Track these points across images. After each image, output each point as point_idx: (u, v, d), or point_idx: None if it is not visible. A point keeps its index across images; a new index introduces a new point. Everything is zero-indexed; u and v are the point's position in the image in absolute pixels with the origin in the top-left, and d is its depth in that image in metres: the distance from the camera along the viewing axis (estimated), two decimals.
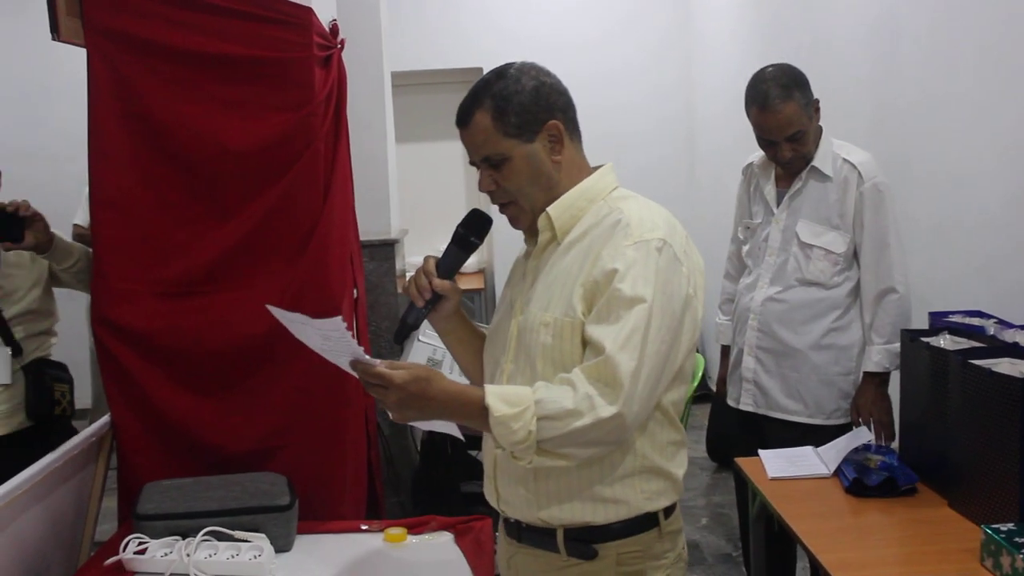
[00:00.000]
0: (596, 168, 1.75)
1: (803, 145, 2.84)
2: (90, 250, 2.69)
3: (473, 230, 1.81)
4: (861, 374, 2.93)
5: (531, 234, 1.77)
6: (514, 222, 1.76)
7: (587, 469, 1.65)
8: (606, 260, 1.60)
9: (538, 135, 1.67)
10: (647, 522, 1.69)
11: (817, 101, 2.86)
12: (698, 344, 1.74)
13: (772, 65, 2.88)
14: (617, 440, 1.60)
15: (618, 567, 1.69)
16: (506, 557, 1.85)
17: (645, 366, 1.54)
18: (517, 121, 1.65)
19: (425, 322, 1.84)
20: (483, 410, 1.54)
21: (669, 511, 1.73)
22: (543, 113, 1.66)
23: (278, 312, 1.73)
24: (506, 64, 1.71)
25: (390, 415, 1.60)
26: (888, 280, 2.80)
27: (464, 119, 1.69)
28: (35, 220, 2.66)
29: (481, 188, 1.73)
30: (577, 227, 1.70)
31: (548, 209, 1.69)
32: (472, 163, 1.73)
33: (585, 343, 1.60)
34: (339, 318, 1.57)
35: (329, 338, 1.63)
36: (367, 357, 1.60)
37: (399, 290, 3.92)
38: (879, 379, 2.84)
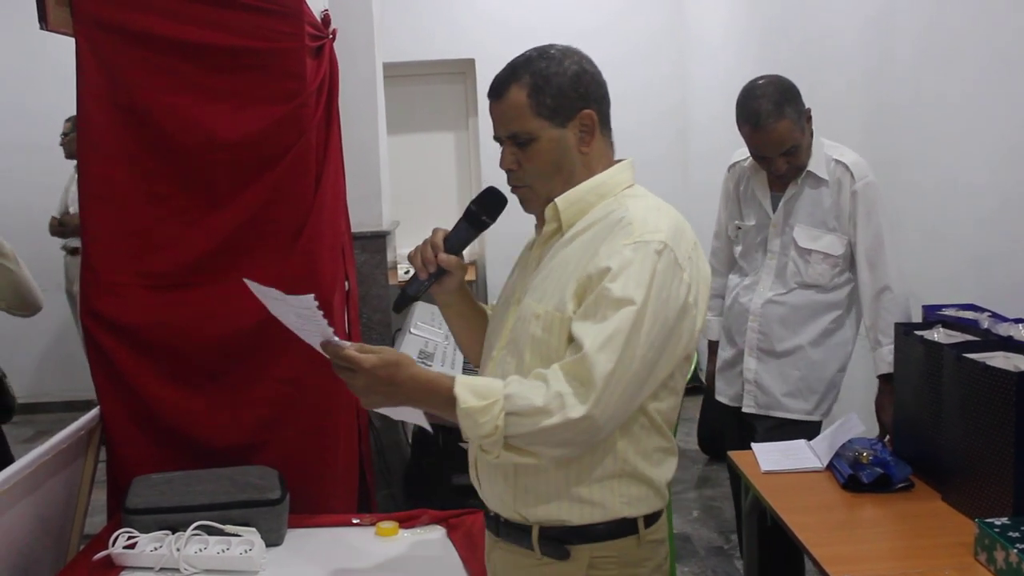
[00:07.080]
0: (617, 162, 1.71)
1: (797, 158, 2.82)
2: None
3: (485, 208, 1.76)
4: (848, 370, 2.94)
5: (541, 221, 1.72)
6: (525, 205, 1.71)
7: (565, 468, 1.61)
8: (602, 257, 1.55)
9: (571, 121, 1.62)
10: (625, 528, 1.64)
11: (809, 110, 2.83)
12: (694, 354, 1.67)
13: (762, 78, 2.85)
14: (588, 442, 1.54)
15: (590, 570, 1.64)
16: (487, 550, 1.83)
17: (625, 370, 1.49)
18: (553, 103, 1.60)
19: (417, 316, 1.81)
20: (451, 400, 1.51)
21: (651, 519, 1.67)
22: (580, 100, 1.62)
23: (254, 286, 1.71)
24: (548, 45, 1.66)
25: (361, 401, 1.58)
26: (885, 279, 2.80)
27: (499, 91, 1.64)
28: None
29: (502, 165, 1.68)
30: (582, 220, 1.65)
31: (556, 200, 1.65)
32: (496, 138, 1.68)
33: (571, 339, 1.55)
34: (311, 296, 1.55)
35: (302, 316, 1.61)
36: (337, 339, 1.57)
37: (401, 273, 3.89)
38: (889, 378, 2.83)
